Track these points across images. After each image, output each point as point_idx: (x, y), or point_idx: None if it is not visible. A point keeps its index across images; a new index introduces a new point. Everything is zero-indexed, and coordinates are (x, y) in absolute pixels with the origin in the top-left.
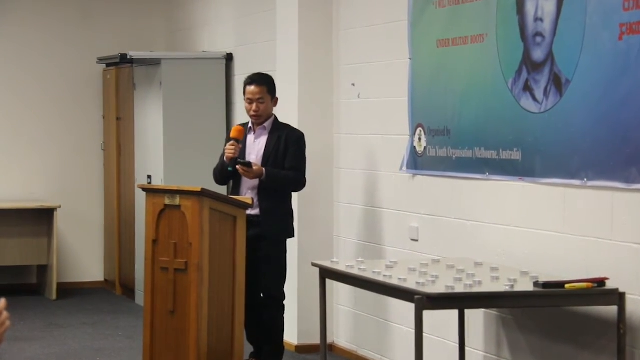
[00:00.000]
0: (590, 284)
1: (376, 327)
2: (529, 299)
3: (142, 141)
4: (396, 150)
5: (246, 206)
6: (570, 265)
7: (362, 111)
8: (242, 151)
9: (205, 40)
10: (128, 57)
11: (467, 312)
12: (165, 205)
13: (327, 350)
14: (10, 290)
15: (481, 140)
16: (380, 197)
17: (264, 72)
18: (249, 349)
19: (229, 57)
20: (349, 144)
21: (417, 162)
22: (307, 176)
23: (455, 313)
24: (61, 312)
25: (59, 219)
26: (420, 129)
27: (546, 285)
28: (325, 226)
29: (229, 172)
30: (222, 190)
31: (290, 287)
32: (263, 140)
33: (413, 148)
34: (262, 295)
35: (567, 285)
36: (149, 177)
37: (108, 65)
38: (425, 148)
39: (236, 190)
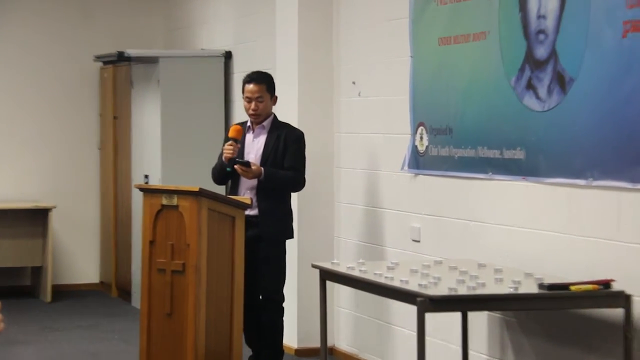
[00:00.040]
0: (596, 286)
1: (377, 329)
2: (533, 301)
3: (139, 140)
4: (397, 150)
5: (245, 206)
6: (575, 267)
7: (362, 110)
8: (241, 150)
9: (204, 38)
10: (125, 55)
11: (470, 314)
12: (163, 206)
13: (327, 353)
14: (4, 293)
15: (484, 140)
16: (381, 197)
17: (263, 70)
18: (247, 352)
19: (228, 55)
20: (350, 143)
21: (418, 162)
22: (306, 176)
23: (458, 315)
24: (56, 315)
25: (54, 219)
26: (421, 127)
27: (551, 287)
28: (325, 227)
29: (227, 172)
30: (221, 190)
31: (290, 289)
32: (262, 140)
33: (414, 147)
34: (261, 297)
35: (572, 287)
36: (146, 176)
37: (105, 63)
38: (427, 147)
39: (234, 190)
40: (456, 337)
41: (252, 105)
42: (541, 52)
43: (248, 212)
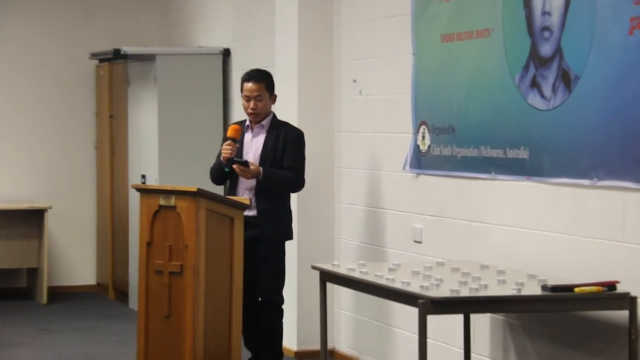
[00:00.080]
0: (600, 288)
1: (378, 332)
2: (536, 303)
3: (136, 140)
4: (399, 149)
5: (244, 207)
6: (579, 268)
7: (363, 108)
8: (240, 150)
9: (202, 35)
10: (122, 52)
11: (472, 316)
12: (160, 206)
13: (327, 356)
14: None
15: (487, 139)
16: (382, 198)
17: (262, 68)
18: (246, 354)
19: (226, 53)
20: (350, 142)
21: (420, 161)
22: (306, 176)
23: (460, 318)
24: (52, 317)
25: (49, 220)
26: (424, 126)
27: (554, 289)
28: (325, 227)
29: (225, 172)
30: (219, 190)
31: (290, 291)
32: (261, 139)
33: (416, 147)
34: (260, 299)
35: (576, 289)
36: (143, 176)
37: (101, 61)
38: (429, 147)
39: (233, 190)
40: (458, 339)
41: (251, 104)
42: (546, 49)
43: (247, 212)
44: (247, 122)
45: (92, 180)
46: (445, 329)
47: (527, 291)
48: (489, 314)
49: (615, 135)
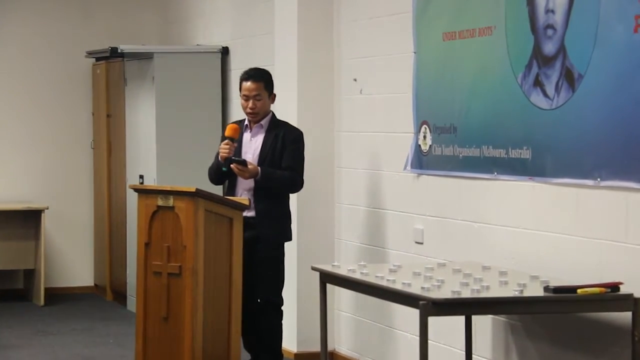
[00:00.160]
0: (603, 289)
1: (379, 333)
2: (539, 304)
3: (134, 139)
4: (400, 149)
5: (243, 207)
6: (582, 269)
7: (364, 108)
8: (238, 150)
9: (200, 33)
10: (119, 50)
11: (474, 318)
12: (158, 207)
13: (327, 357)
14: None
15: (489, 138)
16: (383, 198)
17: (261, 67)
18: (245, 356)
19: (225, 51)
20: (351, 142)
21: (422, 161)
22: (306, 176)
23: (461, 319)
24: (49, 319)
25: (46, 220)
26: (425, 126)
27: (557, 290)
28: (325, 228)
29: (223, 172)
30: (218, 190)
31: (289, 292)
32: (260, 139)
33: (418, 146)
34: (259, 300)
35: (579, 290)
36: (141, 177)
37: (98, 59)
38: (430, 146)
39: (232, 191)
40: (460, 341)
41: (250, 103)
42: (549, 47)
43: (245, 213)
44: (246, 122)
45: (90, 181)
46: (447, 330)
47: (529, 292)
48: (490, 316)
49: (619, 135)
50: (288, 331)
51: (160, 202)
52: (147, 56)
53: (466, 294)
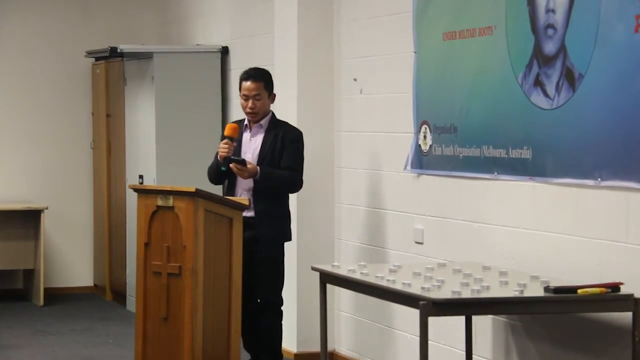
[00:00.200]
0: (603, 289)
1: (379, 334)
2: (539, 304)
3: (134, 139)
4: (400, 149)
5: (243, 207)
6: (582, 270)
7: (364, 108)
8: (238, 150)
9: (200, 33)
10: (118, 50)
11: (474, 318)
12: (158, 207)
13: (327, 358)
14: None
15: (489, 138)
16: (383, 198)
17: (261, 67)
18: (245, 356)
19: (225, 51)
20: (351, 142)
21: (422, 161)
22: (306, 176)
23: (461, 319)
24: (49, 319)
25: (46, 220)
26: (425, 126)
27: (557, 290)
28: (325, 228)
29: (222, 171)
30: (218, 190)
31: (289, 292)
32: (259, 139)
33: (418, 146)
34: (259, 300)
35: (579, 291)
36: (141, 177)
37: (97, 59)
38: (430, 146)
39: (231, 191)
40: (460, 341)
41: (250, 103)
42: (550, 47)
43: (244, 213)
44: (246, 122)
45: (89, 181)
46: (447, 330)
47: (529, 293)
48: (490, 316)
49: (620, 135)
50: (288, 331)
51: (159, 202)
52: (146, 56)
53: (466, 294)
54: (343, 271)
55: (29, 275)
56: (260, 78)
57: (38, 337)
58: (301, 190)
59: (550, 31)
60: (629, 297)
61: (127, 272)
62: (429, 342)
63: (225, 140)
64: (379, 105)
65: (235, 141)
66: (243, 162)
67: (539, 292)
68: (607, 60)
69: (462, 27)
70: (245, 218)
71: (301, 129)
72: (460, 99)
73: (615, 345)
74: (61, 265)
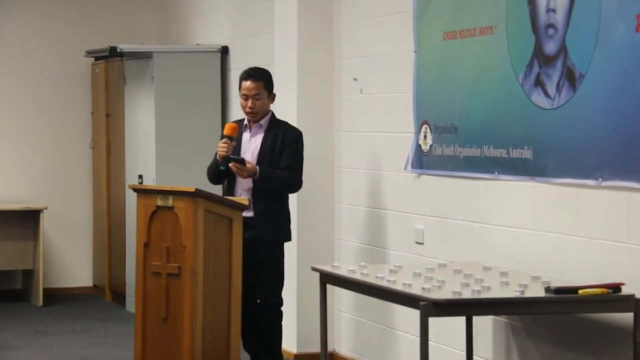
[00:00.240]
0: (604, 290)
1: (379, 334)
2: (540, 305)
3: (133, 139)
4: (400, 149)
5: (242, 207)
6: (583, 270)
7: (364, 107)
8: (237, 150)
9: (200, 33)
10: (118, 50)
11: (475, 319)
12: (158, 207)
13: (327, 359)
14: None
15: (490, 138)
16: (383, 198)
17: (261, 67)
18: (245, 357)
19: (225, 50)
20: (351, 142)
21: (422, 161)
22: (306, 176)
23: (462, 320)
24: (48, 319)
25: (45, 221)
26: (425, 126)
27: (558, 290)
28: (325, 228)
29: (221, 171)
30: (217, 190)
31: (289, 293)
32: (259, 139)
33: (418, 146)
34: (259, 301)
35: (580, 291)
36: (140, 176)
37: (97, 59)
38: (431, 146)
39: (230, 191)
40: (460, 341)
41: (249, 103)
42: (550, 47)
43: (244, 213)
44: (245, 122)
45: (89, 181)
46: (447, 331)
47: (530, 293)
48: (491, 316)
49: (621, 134)
50: (288, 332)
51: (159, 202)
52: (146, 55)
53: (467, 294)
54: (343, 271)
55: (28, 275)
56: (260, 78)
57: (37, 338)
58: (301, 190)
59: (550, 31)
60: (630, 297)
61: (126, 273)
62: (430, 342)
63: (224, 140)
64: (379, 105)
65: (235, 141)
66: (242, 162)
67: (540, 293)
68: (608, 60)
69: (462, 26)
70: (244, 218)
71: (301, 129)
72: (461, 99)
73: (616, 346)
74: (60, 266)
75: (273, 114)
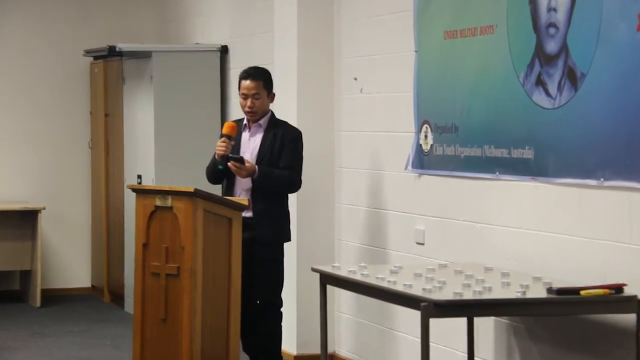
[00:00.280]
0: (607, 291)
1: (380, 335)
2: (541, 306)
3: (132, 139)
4: (401, 149)
5: (242, 208)
6: (585, 271)
7: (364, 107)
8: (236, 149)
9: (199, 32)
10: (117, 49)
11: (476, 320)
12: (156, 207)
13: None
14: None
15: (491, 138)
16: (384, 198)
17: (261, 66)
18: (244, 359)
19: (224, 50)
20: (351, 142)
21: (423, 161)
22: (306, 176)
23: (463, 321)
24: (46, 321)
25: (43, 221)
26: (426, 125)
27: (560, 291)
28: (325, 229)
29: (220, 170)
30: (217, 190)
31: (289, 294)
32: (258, 139)
33: (419, 146)
34: (258, 302)
35: (582, 292)
36: (139, 176)
37: (95, 58)
38: (431, 146)
39: (230, 191)
40: (462, 343)
41: (248, 102)
42: (552, 46)
43: (243, 214)
44: (245, 121)
45: (87, 181)
46: (448, 332)
47: (532, 294)
48: (492, 317)
49: (623, 134)
50: (287, 333)
51: (158, 203)
52: (145, 55)
53: (468, 295)
54: (343, 272)
55: (26, 276)
56: (260, 77)
57: (35, 339)
58: (301, 191)
59: (552, 30)
60: (633, 298)
61: (125, 273)
62: (431, 344)
63: (223, 139)
64: (379, 104)
65: (234, 140)
66: (241, 160)
67: (542, 294)
68: (610, 59)
69: (463, 26)
70: (244, 219)
71: (301, 129)
72: (462, 99)
73: (619, 347)
74: (58, 266)
75: (272, 114)
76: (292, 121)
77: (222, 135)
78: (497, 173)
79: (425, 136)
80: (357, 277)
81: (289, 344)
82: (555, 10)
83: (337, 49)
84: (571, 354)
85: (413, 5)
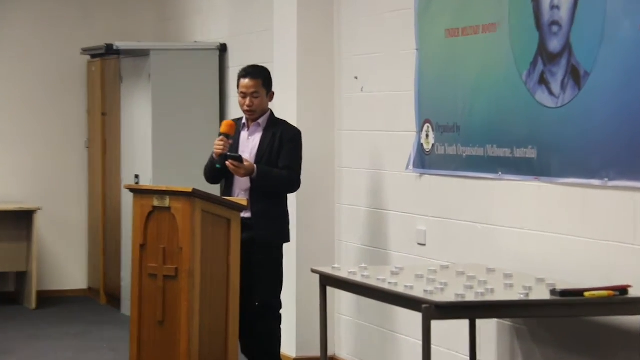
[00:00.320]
0: (611, 292)
1: (381, 338)
2: (545, 308)
3: (129, 138)
4: (402, 148)
5: (241, 208)
6: (589, 272)
7: (365, 106)
8: (235, 149)
9: (198, 30)
10: (114, 47)
11: (478, 322)
12: (154, 207)
13: None
14: None
15: (493, 137)
16: (384, 199)
17: (260, 64)
18: None
19: (223, 48)
20: (352, 141)
21: (424, 161)
22: (306, 176)
23: (465, 323)
24: (41, 323)
25: (39, 222)
26: (427, 125)
27: (564, 293)
28: (325, 229)
29: (217, 169)
30: (215, 190)
31: (288, 295)
32: (257, 138)
33: (420, 145)
34: (257, 303)
35: (586, 294)
36: (137, 176)
37: (93, 56)
38: (433, 145)
39: (228, 191)
40: (463, 345)
41: (247, 101)
42: (555, 44)
43: (241, 214)
44: (244, 120)
45: (84, 181)
46: (450, 334)
47: (535, 296)
48: (495, 319)
49: (627, 133)
50: (287, 335)
51: (156, 203)
52: (143, 53)
53: (470, 297)
54: (344, 273)
55: (21, 277)
56: (259, 75)
57: (30, 342)
58: (301, 190)
59: (555, 28)
60: (638, 300)
61: (122, 275)
62: (432, 346)
63: (220, 137)
64: (380, 103)
65: (232, 139)
66: (239, 159)
67: (545, 295)
68: (613, 58)
69: (465, 24)
70: (242, 219)
71: (301, 128)
72: (464, 97)
73: (623, 349)
74: (54, 268)
75: (272, 113)
76: (292, 120)
77: (220, 134)
78: (500, 173)
79: (427, 135)
80: (358, 278)
81: (288, 346)
82: (558, 7)
83: (337, 47)
84: (575, 356)
85: (414, 3)
